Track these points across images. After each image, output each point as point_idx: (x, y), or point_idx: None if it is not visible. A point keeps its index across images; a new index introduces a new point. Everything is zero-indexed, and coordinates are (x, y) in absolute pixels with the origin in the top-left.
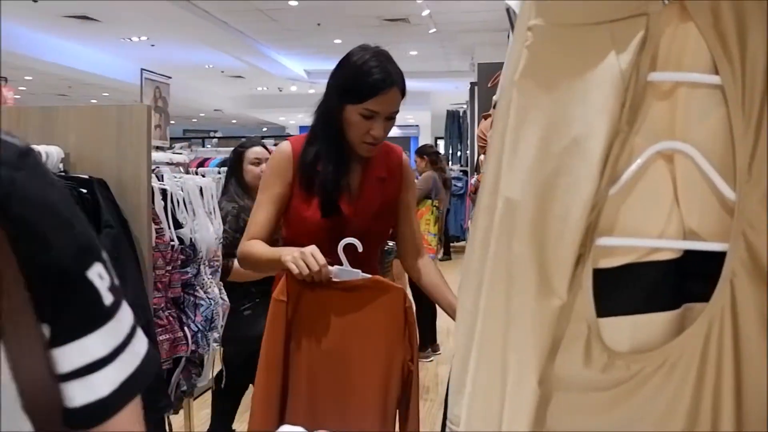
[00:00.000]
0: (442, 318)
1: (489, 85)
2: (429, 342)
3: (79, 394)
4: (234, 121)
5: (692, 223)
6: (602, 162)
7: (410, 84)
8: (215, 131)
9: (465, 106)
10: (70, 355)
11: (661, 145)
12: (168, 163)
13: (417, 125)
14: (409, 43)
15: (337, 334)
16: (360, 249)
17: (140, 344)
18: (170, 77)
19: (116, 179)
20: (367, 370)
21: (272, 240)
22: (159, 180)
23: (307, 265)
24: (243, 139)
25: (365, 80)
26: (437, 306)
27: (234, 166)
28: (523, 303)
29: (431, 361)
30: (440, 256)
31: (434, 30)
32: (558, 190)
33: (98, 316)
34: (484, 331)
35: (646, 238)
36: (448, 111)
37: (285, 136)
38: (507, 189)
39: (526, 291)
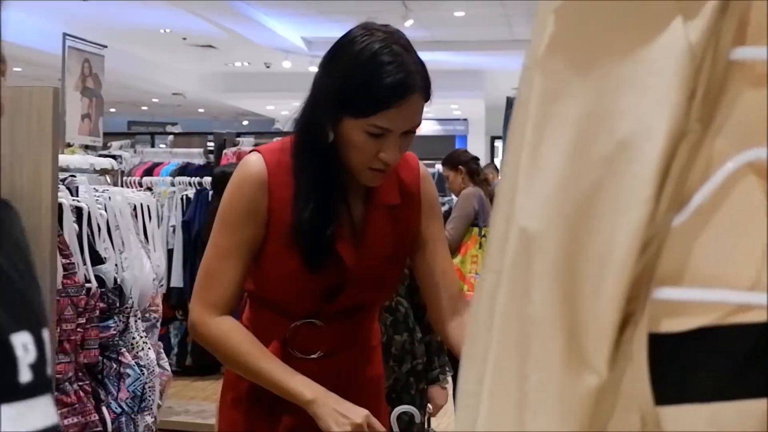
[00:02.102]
0: None
1: None
2: None
3: None
4: (201, 110)
5: None
6: (661, 175)
7: (457, 60)
8: (173, 124)
9: None
10: None
11: (752, 153)
12: (88, 170)
13: (465, 119)
14: (455, 0)
15: None
16: (418, 420)
17: None
18: (105, 46)
19: (8, 190)
20: None
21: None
22: (72, 194)
23: None
24: (210, 137)
25: (374, 86)
26: None
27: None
28: (544, 381)
29: None
30: None
31: None
32: (596, 217)
33: (3, 388)
34: (489, 422)
35: (730, 289)
36: (508, 99)
37: (274, 133)
38: (523, 215)
39: (548, 364)
